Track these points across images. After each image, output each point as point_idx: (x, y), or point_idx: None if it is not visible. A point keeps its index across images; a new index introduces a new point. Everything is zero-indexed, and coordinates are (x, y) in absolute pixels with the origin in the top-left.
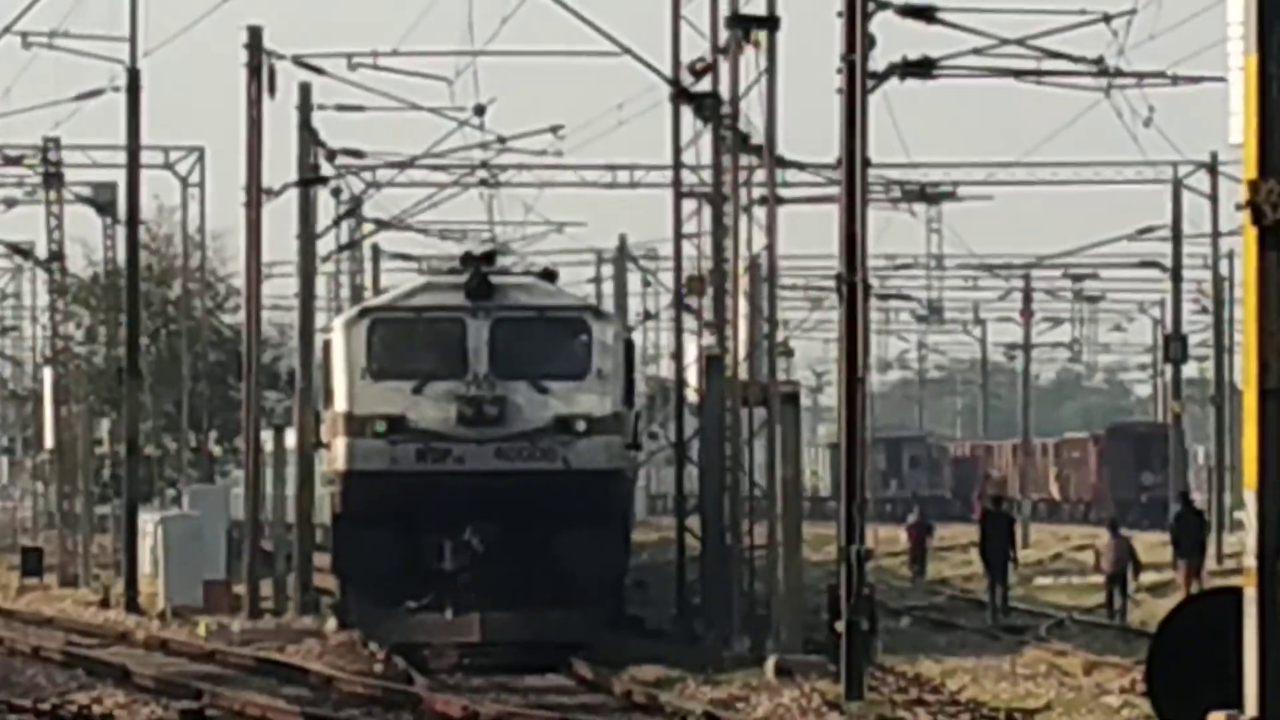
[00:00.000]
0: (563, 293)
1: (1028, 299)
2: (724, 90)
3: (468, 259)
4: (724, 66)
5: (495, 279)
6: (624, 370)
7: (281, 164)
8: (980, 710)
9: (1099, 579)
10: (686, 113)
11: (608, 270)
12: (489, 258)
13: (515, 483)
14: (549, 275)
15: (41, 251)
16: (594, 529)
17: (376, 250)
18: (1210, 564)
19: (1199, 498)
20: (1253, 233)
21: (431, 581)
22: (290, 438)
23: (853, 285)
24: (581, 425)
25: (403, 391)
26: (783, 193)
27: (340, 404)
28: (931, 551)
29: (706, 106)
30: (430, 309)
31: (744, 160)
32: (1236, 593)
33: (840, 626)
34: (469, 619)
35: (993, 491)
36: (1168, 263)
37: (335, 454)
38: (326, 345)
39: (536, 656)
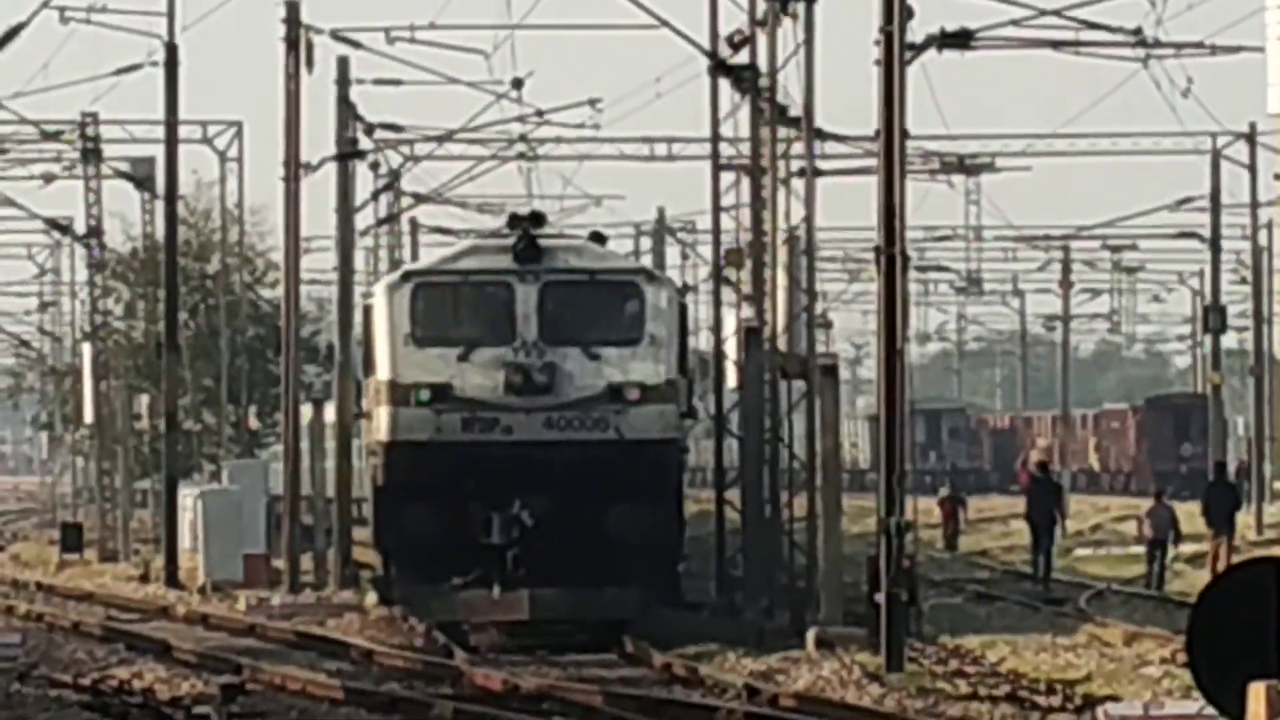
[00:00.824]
0: (614, 255)
1: (1066, 270)
2: (762, 62)
3: (515, 220)
4: (762, 39)
5: (544, 241)
6: (678, 336)
7: (320, 138)
8: (1020, 682)
9: (1139, 550)
10: (725, 85)
11: (646, 243)
12: (537, 219)
13: (566, 453)
14: (598, 238)
15: (80, 227)
16: (648, 502)
17: (415, 224)
18: (1251, 534)
19: (1233, 468)
20: None
21: (478, 557)
22: (329, 412)
23: (891, 257)
24: (634, 393)
25: (448, 359)
26: (821, 165)
27: (383, 372)
28: (965, 524)
29: (745, 79)
30: (476, 272)
31: (782, 132)
32: (1276, 562)
33: (880, 598)
34: (517, 596)
35: (1039, 459)
36: (1206, 233)
37: (377, 424)
38: (368, 311)
39: (587, 635)
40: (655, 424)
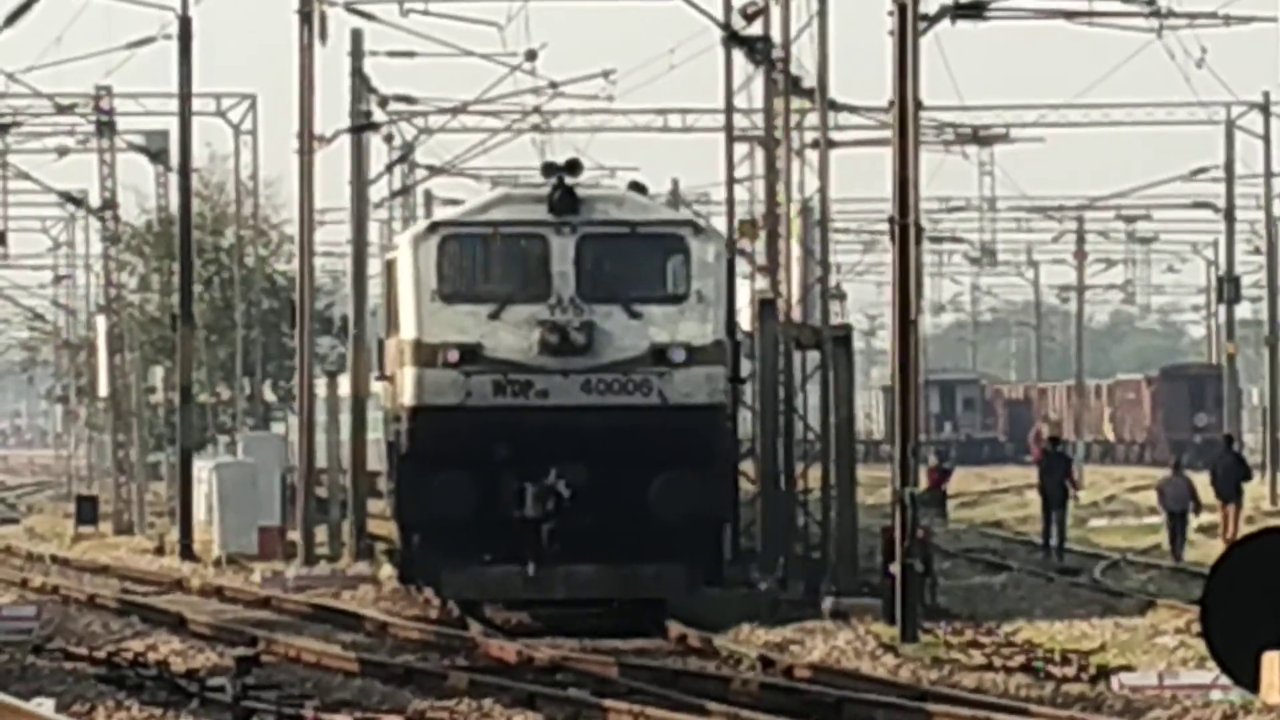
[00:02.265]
0: (657, 206)
1: (1081, 241)
2: (776, 34)
3: (549, 168)
4: (775, 10)
5: (581, 190)
6: (726, 293)
7: (333, 110)
8: (1035, 651)
9: (1154, 520)
10: (738, 56)
11: None
12: (573, 166)
13: (605, 419)
14: (639, 188)
15: (94, 200)
16: (693, 472)
17: (429, 196)
18: (1265, 504)
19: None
20: None
21: (509, 531)
22: (344, 384)
23: (905, 228)
24: (680, 355)
25: (478, 316)
26: (835, 136)
27: (407, 330)
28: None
29: (758, 50)
30: (509, 223)
31: (796, 104)
32: None
33: (895, 569)
34: (551, 573)
35: (1050, 432)
36: (1221, 203)
37: (401, 387)
38: (390, 265)
39: (626, 615)
40: (702, 388)
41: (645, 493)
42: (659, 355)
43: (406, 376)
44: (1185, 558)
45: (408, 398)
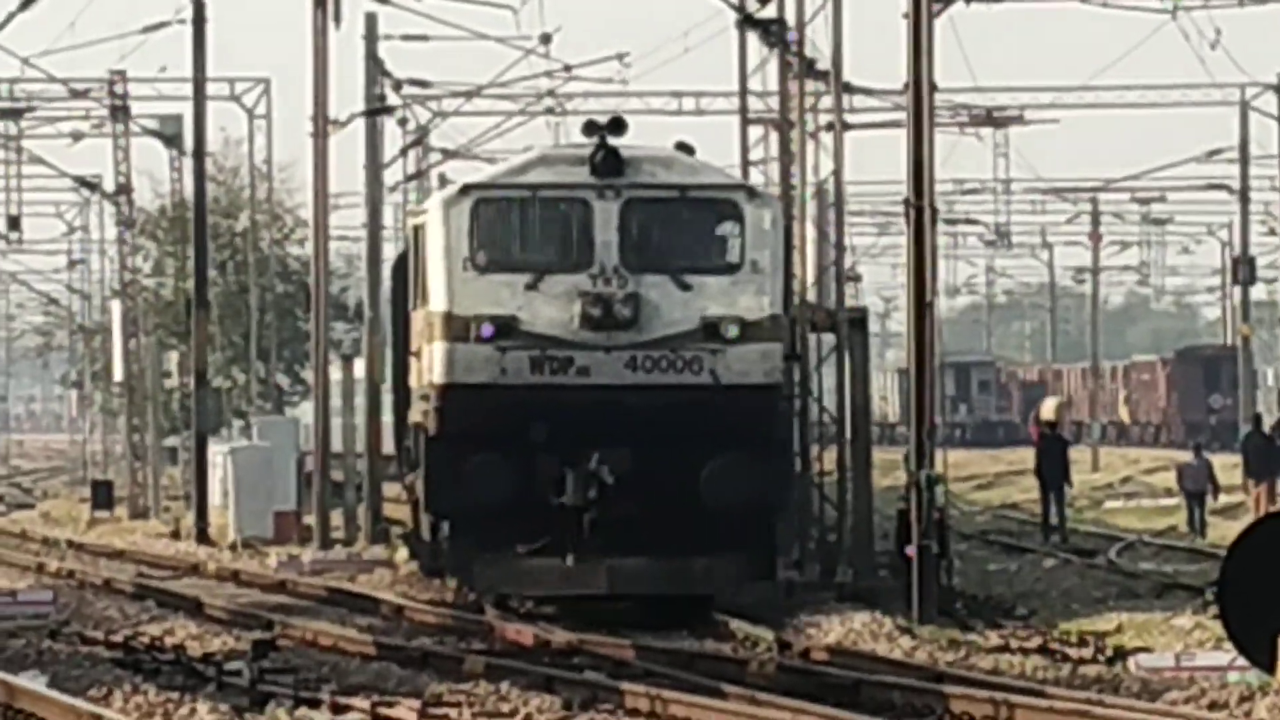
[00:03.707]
0: (709, 168)
1: (1095, 222)
2: (790, 16)
3: (591, 127)
4: None
5: (626, 151)
6: (783, 263)
7: (348, 94)
8: (1051, 634)
9: (1170, 502)
10: (752, 39)
11: None
12: (617, 124)
13: (652, 400)
14: (686, 148)
15: (109, 185)
16: (747, 457)
17: (444, 180)
18: None
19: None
20: None
21: (548, 520)
22: (358, 368)
23: (920, 210)
24: (733, 330)
25: (514, 287)
26: (849, 118)
27: (437, 302)
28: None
29: (772, 32)
30: (547, 186)
31: (810, 86)
32: None
33: (911, 551)
34: (593, 567)
35: (1047, 417)
36: (1235, 185)
37: (430, 363)
38: (418, 231)
39: (670, 612)
40: (757, 366)
41: (695, 479)
42: (711, 330)
43: (436, 352)
44: (1201, 540)
45: (437, 375)
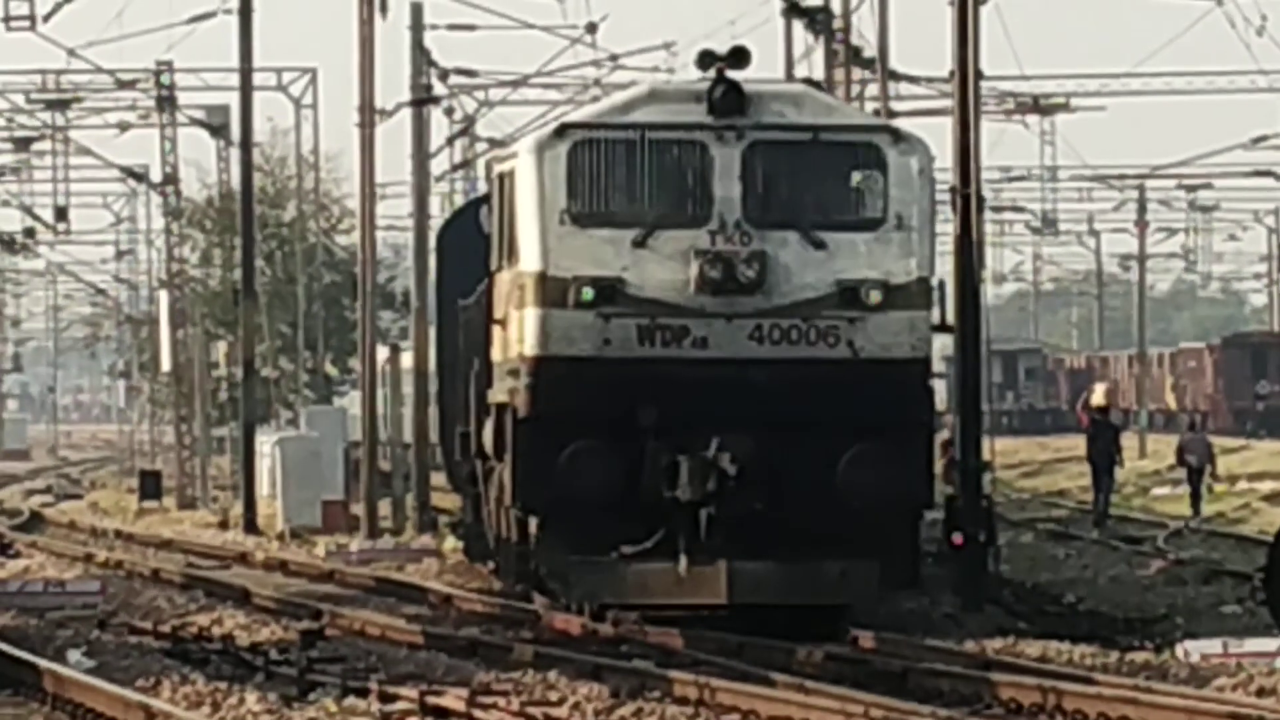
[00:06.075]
0: (845, 108)
1: (1142, 209)
2: (836, 4)
3: (707, 58)
4: None
5: (750, 87)
6: (930, 219)
7: (394, 84)
8: (1099, 620)
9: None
10: (799, 27)
11: None
12: (739, 55)
13: (780, 376)
14: (815, 84)
15: (156, 175)
16: (891, 444)
17: (489, 170)
18: None
19: None
20: None
21: (658, 517)
22: (406, 357)
23: (966, 197)
24: (875, 295)
25: (619, 244)
26: (895, 106)
27: (529, 261)
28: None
29: (818, 21)
30: (658, 126)
31: (857, 74)
32: None
33: (958, 538)
34: (712, 571)
35: (1098, 402)
36: None
37: (519, 332)
38: (504, 180)
39: (796, 624)
40: (903, 337)
41: (830, 470)
42: (849, 296)
43: (528, 319)
44: (1249, 526)
45: (529, 346)
